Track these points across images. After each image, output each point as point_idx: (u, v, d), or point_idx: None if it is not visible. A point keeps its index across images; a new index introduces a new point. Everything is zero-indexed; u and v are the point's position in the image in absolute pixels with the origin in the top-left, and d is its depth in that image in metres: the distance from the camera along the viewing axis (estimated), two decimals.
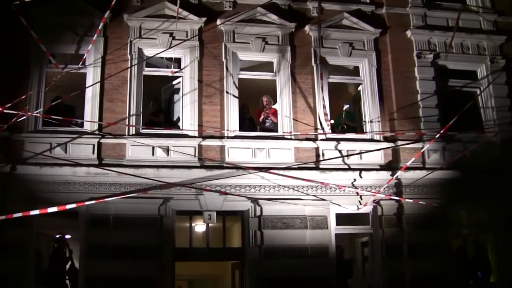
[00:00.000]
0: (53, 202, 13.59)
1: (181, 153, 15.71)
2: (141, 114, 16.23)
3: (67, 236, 15.80)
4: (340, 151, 16.55)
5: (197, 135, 16.06)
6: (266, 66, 17.60)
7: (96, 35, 15.72)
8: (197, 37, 16.86)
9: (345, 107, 17.64)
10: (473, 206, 16.99)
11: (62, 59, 16.27)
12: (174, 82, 17.11)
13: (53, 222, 14.98)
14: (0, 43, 15.72)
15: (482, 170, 16.60)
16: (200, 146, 16.01)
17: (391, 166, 16.60)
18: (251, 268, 15.58)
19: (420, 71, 17.72)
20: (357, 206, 16.15)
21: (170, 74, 16.66)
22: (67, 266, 15.51)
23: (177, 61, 16.82)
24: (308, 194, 15.94)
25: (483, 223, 17.53)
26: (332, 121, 17.10)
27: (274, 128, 16.83)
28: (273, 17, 17.32)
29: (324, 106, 16.40)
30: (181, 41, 16.24)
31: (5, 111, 13.22)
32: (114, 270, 14.49)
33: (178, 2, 15.77)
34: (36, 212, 12.96)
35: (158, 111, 17.06)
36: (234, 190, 15.59)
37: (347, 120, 17.47)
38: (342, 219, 16.32)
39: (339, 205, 16.06)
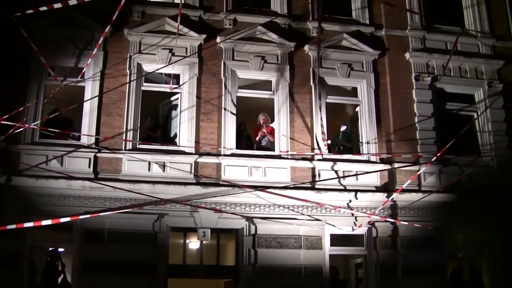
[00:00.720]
0: (47, 215, 13.60)
1: (177, 170, 15.71)
2: (139, 129, 16.24)
3: (60, 250, 15.71)
4: (336, 172, 16.56)
5: (193, 152, 16.04)
6: (264, 85, 17.63)
7: (96, 49, 15.72)
8: (196, 54, 16.92)
9: (342, 127, 17.62)
10: (468, 229, 17.06)
11: (61, 72, 16.29)
12: (172, 98, 17.13)
13: (47, 235, 14.91)
14: (0, 54, 15.74)
15: (478, 193, 16.64)
16: (196, 163, 16.00)
17: (387, 188, 16.61)
18: (245, 286, 15.51)
19: (418, 93, 17.78)
20: (352, 227, 16.11)
21: (168, 90, 16.69)
22: (59, 280, 15.41)
23: (176, 77, 16.89)
24: (303, 214, 15.92)
25: (479, 246, 17.50)
26: (329, 141, 17.10)
27: (271, 147, 16.85)
28: (273, 36, 17.39)
29: (322, 126, 16.41)
30: (181, 58, 16.34)
31: (2, 122, 13.24)
32: (107, 285, 14.49)
33: (179, 18, 15.80)
34: (30, 224, 12.95)
35: (156, 127, 17.05)
36: (229, 208, 15.57)
37: (343, 141, 17.45)
38: (336, 239, 16.27)
39: (334, 226, 16.02)
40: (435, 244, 16.20)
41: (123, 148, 15.79)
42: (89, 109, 15.90)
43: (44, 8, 13.84)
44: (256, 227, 15.70)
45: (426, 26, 18.64)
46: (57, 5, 13.60)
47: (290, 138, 16.69)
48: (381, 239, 16.27)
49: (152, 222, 15.23)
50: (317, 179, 16.38)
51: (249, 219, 15.70)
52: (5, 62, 15.73)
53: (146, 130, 16.81)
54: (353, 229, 16.11)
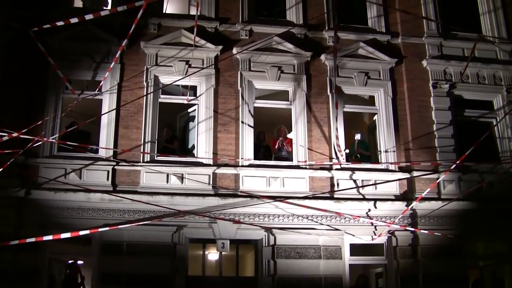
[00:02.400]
0: (66, 228, 13.79)
1: (196, 181, 15.69)
2: (156, 141, 16.27)
3: (80, 262, 15.81)
4: (355, 181, 16.47)
5: (211, 163, 16.05)
6: (281, 95, 17.61)
7: (113, 62, 15.77)
8: (213, 65, 16.95)
9: (357, 136, 17.43)
10: (490, 237, 16.84)
11: (79, 85, 16.39)
12: (189, 110, 17.17)
13: (66, 248, 15.03)
14: (18, 69, 15.88)
15: (498, 201, 16.44)
16: (214, 174, 15.99)
17: (406, 196, 16.48)
18: None
19: (436, 101, 17.66)
20: (372, 236, 15.99)
21: (186, 102, 16.72)
22: None
23: (193, 89, 16.92)
24: (322, 224, 15.84)
25: (501, 254, 17.26)
26: (347, 150, 17.02)
27: (289, 157, 16.80)
28: (289, 46, 17.39)
29: (337, 137, 16.36)
30: (198, 69, 16.37)
31: (21, 136, 13.27)
32: None
33: (195, 30, 15.87)
34: (50, 237, 13.13)
35: (173, 138, 17.04)
36: (247, 218, 15.53)
37: (360, 149, 17.33)
38: (356, 249, 16.18)
39: (354, 235, 15.94)
40: (456, 253, 16.02)
41: (141, 161, 15.84)
42: (106, 122, 15.98)
43: (60, 23, 13.93)
44: (275, 238, 15.63)
45: (442, 33, 18.54)
46: (74, 20, 13.69)
47: (308, 148, 16.64)
48: (401, 248, 16.13)
49: (171, 234, 15.22)
50: (335, 188, 16.32)
51: (268, 230, 15.63)
52: (23, 76, 15.90)
53: (164, 142, 16.83)
54: (372, 239, 15.99)
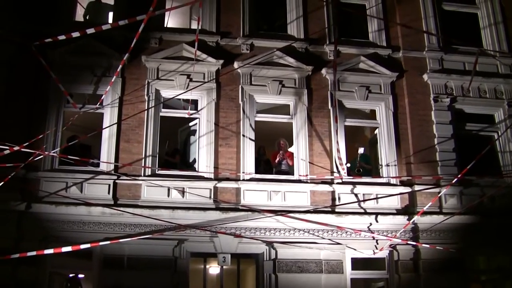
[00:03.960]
0: (67, 242, 13.72)
1: (197, 195, 15.65)
2: (157, 155, 16.25)
3: (81, 276, 15.75)
4: (356, 195, 16.43)
5: (212, 177, 16.01)
6: (282, 109, 17.62)
7: (114, 76, 15.74)
8: (214, 79, 16.98)
9: (360, 150, 17.43)
10: (491, 251, 16.75)
11: (80, 99, 16.38)
12: (190, 124, 17.17)
13: (67, 262, 14.95)
14: (20, 82, 15.92)
15: (500, 215, 16.42)
16: (215, 188, 15.96)
17: (408, 210, 16.44)
18: None
19: (437, 114, 17.66)
20: (373, 250, 15.96)
21: (187, 116, 16.71)
22: None
23: (194, 103, 16.93)
24: (323, 238, 15.79)
25: (503, 269, 17.17)
26: (349, 165, 16.99)
27: (290, 171, 16.77)
28: (290, 60, 17.41)
29: (338, 151, 16.35)
30: (199, 84, 16.40)
31: (22, 149, 13.27)
32: None
33: (196, 44, 15.89)
34: (50, 251, 13.09)
35: (174, 152, 17.02)
36: (249, 232, 15.49)
37: (362, 163, 17.28)
38: (357, 263, 16.12)
39: (355, 250, 15.89)
40: (458, 267, 15.96)
41: (142, 174, 15.81)
42: (108, 135, 15.97)
43: (62, 37, 13.90)
44: (276, 252, 15.58)
45: (443, 47, 18.58)
46: (75, 34, 13.68)
47: (309, 162, 16.61)
48: (402, 262, 16.07)
49: (172, 248, 15.17)
50: (337, 202, 16.28)
51: (269, 244, 15.58)
52: (25, 90, 15.93)
53: (165, 156, 16.82)
54: (374, 253, 15.96)
